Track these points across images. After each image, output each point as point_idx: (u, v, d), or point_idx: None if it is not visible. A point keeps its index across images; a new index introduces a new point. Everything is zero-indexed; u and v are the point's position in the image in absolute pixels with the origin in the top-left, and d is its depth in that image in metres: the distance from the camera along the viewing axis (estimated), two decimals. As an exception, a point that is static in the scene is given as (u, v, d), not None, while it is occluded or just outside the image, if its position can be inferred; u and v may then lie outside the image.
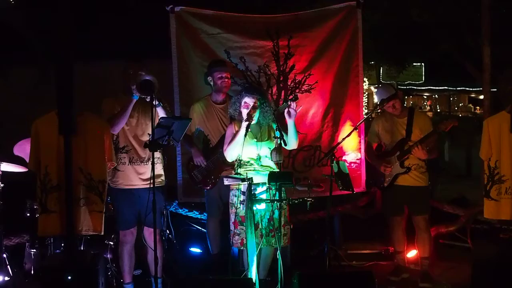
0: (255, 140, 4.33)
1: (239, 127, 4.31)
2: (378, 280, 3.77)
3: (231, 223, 4.36)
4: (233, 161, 4.40)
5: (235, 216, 4.31)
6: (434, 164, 5.50)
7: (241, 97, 4.34)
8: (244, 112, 4.28)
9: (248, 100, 4.29)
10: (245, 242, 4.25)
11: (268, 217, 4.23)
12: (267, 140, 4.38)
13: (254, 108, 4.27)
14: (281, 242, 4.17)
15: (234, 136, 4.31)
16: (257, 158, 4.34)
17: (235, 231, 4.31)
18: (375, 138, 5.13)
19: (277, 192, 3.98)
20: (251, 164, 4.32)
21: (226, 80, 4.94)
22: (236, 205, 4.32)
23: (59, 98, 3.57)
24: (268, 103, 4.42)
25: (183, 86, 5.43)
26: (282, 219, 4.14)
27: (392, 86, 5.03)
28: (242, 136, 4.21)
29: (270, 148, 4.36)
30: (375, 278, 3.71)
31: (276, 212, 4.15)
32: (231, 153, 4.33)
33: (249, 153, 4.31)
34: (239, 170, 4.33)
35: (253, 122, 4.29)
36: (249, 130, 4.23)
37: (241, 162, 4.35)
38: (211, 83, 4.98)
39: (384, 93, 4.90)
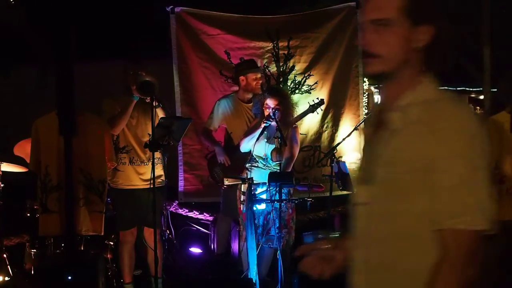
0: (265, 140, 4.34)
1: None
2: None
3: None
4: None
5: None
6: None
7: (263, 98, 4.38)
8: (266, 112, 4.32)
9: (270, 102, 4.30)
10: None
11: (263, 217, 4.24)
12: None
13: (275, 109, 4.26)
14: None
15: (252, 129, 4.39)
16: (264, 158, 4.38)
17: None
18: None
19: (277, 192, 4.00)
20: (256, 161, 4.38)
21: (260, 81, 4.90)
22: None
23: (59, 98, 3.56)
24: (289, 107, 4.41)
25: (183, 87, 5.43)
26: (277, 220, 4.15)
27: None
28: (257, 133, 4.26)
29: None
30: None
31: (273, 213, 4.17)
32: (244, 145, 4.44)
33: (259, 151, 4.36)
34: (247, 165, 4.39)
35: (273, 123, 4.27)
36: (266, 128, 4.25)
37: (252, 157, 4.41)
38: (243, 82, 4.84)
39: None
